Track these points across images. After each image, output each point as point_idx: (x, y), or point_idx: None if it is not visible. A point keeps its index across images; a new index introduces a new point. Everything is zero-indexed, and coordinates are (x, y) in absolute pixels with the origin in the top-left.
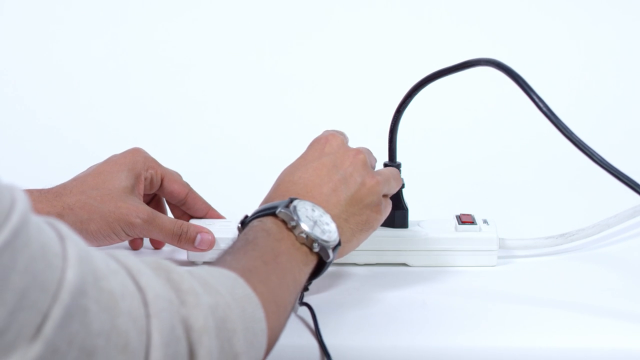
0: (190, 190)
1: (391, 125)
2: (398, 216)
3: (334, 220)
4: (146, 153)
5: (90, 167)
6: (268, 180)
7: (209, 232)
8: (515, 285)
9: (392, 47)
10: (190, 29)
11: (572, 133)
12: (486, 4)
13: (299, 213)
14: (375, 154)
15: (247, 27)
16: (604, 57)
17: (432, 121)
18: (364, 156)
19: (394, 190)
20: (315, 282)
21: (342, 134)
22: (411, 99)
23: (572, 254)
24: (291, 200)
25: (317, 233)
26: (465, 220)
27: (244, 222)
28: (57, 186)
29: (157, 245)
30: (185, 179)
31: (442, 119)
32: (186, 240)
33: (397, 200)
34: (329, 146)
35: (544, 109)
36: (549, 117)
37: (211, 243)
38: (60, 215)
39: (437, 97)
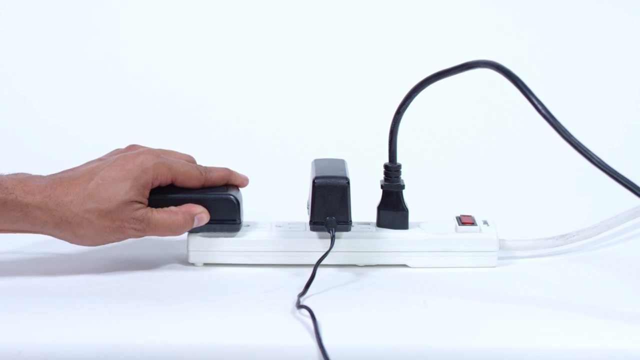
0: (205, 177)
1: (391, 126)
2: (398, 217)
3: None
4: (157, 158)
5: (98, 164)
6: (269, 179)
7: (202, 211)
8: (515, 286)
9: (392, 47)
10: (188, 27)
11: (570, 135)
12: (486, 4)
13: None
14: (375, 155)
15: (247, 26)
16: (602, 58)
17: (432, 122)
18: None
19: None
20: (315, 282)
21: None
22: (411, 100)
23: (572, 255)
24: None
25: None
26: (465, 221)
27: None
28: (59, 187)
29: None
30: None
31: (442, 120)
32: (185, 228)
33: (398, 202)
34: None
35: (543, 111)
36: (548, 120)
37: (207, 215)
38: (57, 226)
39: (437, 99)
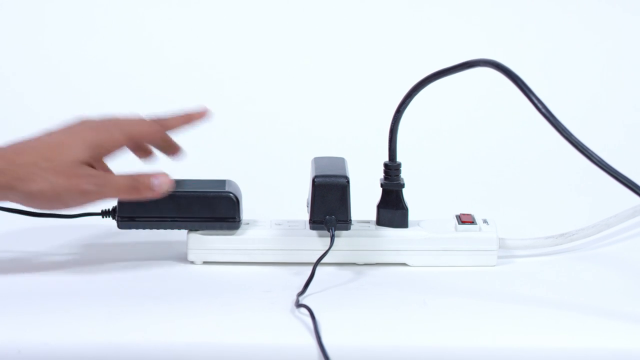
0: (163, 124)
1: (391, 125)
2: (398, 216)
3: None
4: (109, 123)
5: (49, 133)
6: (268, 178)
7: (163, 174)
8: (515, 285)
9: (392, 47)
10: (188, 27)
11: (570, 134)
12: (486, 4)
13: None
14: (375, 154)
15: (246, 26)
16: (602, 57)
17: (432, 121)
18: None
19: None
20: (314, 281)
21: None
22: (411, 99)
23: (572, 254)
24: None
25: None
26: (465, 220)
27: None
28: (10, 151)
29: None
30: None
31: (442, 119)
32: (145, 189)
33: (397, 200)
34: None
35: (543, 110)
36: (548, 119)
37: (170, 182)
38: (10, 187)
39: (437, 97)
